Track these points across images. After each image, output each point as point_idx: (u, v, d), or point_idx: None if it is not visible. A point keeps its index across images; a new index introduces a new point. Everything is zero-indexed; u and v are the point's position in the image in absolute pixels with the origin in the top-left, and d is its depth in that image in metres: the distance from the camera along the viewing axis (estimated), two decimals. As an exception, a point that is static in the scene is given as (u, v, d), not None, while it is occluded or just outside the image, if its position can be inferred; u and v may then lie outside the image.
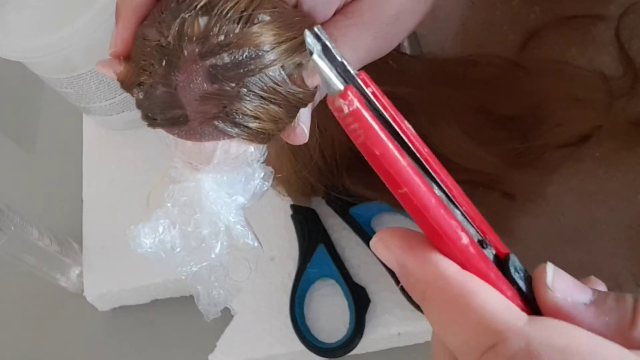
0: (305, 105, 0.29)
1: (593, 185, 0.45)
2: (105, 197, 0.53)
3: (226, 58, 0.27)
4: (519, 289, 0.23)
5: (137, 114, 0.58)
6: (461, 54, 0.49)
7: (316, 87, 0.29)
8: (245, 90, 0.27)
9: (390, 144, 0.22)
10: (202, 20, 0.27)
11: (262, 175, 0.31)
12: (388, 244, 0.23)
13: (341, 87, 0.22)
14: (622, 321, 0.22)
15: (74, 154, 0.56)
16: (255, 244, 0.31)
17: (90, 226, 0.52)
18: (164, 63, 0.27)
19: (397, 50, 0.43)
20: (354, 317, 0.44)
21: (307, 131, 0.30)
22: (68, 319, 0.52)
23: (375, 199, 0.45)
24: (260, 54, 0.27)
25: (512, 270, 0.23)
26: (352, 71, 0.23)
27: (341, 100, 0.22)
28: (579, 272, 0.47)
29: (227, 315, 0.47)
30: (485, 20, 0.52)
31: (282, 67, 0.28)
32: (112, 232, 0.51)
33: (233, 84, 0.27)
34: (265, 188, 0.31)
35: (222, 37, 0.27)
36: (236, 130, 0.28)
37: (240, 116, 0.28)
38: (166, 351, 0.50)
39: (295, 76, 0.28)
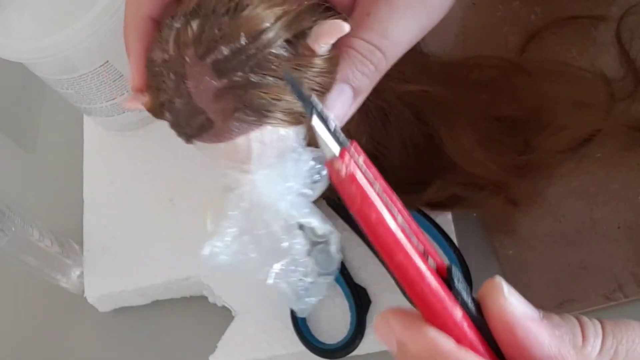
0: (326, 76, 0.29)
1: (594, 186, 0.45)
2: (106, 198, 0.53)
3: (224, 50, 0.27)
4: (462, 301, 0.23)
5: (138, 114, 0.58)
6: (462, 55, 0.49)
7: (331, 53, 0.28)
8: (254, 75, 0.27)
9: (385, 211, 0.22)
10: (194, 24, 0.27)
11: (311, 157, 0.30)
12: (390, 323, 0.23)
13: (338, 150, 0.23)
14: (575, 337, 0.22)
15: (74, 155, 0.56)
16: (329, 228, 0.31)
17: (91, 227, 0.52)
18: (171, 76, 0.28)
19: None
20: (355, 318, 0.44)
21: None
22: (69, 320, 0.52)
23: None
24: (256, 35, 0.27)
25: (455, 281, 0.23)
26: (346, 140, 0.24)
27: (340, 162, 0.22)
28: (579, 273, 0.47)
29: (227, 316, 0.47)
30: (486, 21, 0.52)
31: (286, 41, 0.28)
32: (113, 233, 0.51)
33: (240, 73, 0.27)
34: (325, 171, 0.31)
35: (215, 32, 0.27)
36: (261, 116, 0.28)
37: (260, 101, 0.27)
38: (167, 352, 0.50)
39: (302, 47, 0.28)
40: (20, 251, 0.46)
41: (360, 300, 0.44)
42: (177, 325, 0.50)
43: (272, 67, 0.27)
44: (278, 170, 0.30)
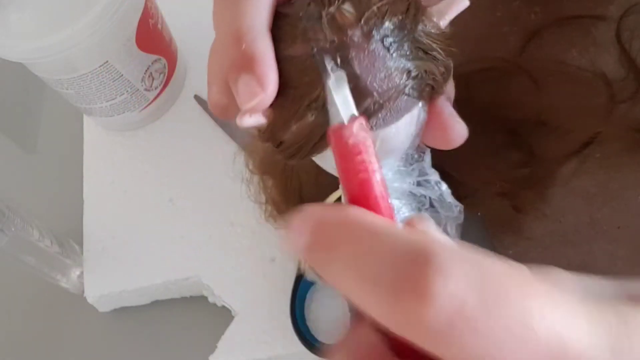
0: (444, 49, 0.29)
1: (593, 186, 0.45)
2: (106, 198, 0.53)
3: (388, 25, 0.27)
4: None
5: (138, 115, 0.58)
6: (461, 56, 0.48)
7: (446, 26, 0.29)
8: (416, 48, 0.27)
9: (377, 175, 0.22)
10: (347, 6, 0.27)
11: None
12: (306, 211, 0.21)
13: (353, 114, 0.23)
14: None
15: (74, 155, 0.56)
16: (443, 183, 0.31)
17: (91, 227, 0.52)
18: (338, 60, 0.27)
19: None
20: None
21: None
22: (68, 320, 0.52)
23: None
24: (407, 11, 0.27)
25: None
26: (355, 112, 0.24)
27: (362, 120, 0.22)
28: (580, 273, 0.47)
29: (227, 316, 0.47)
30: (485, 21, 0.52)
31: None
32: (113, 233, 0.51)
33: (405, 47, 0.27)
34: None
35: (375, 9, 0.27)
36: (425, 92, 0.28)
37: (424, 76, 0.27)
38: (167, 352, 0.50)
39: (428, 22, 0.28)
40: (20, 251, 0.46)
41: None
42: (177, 325, 0.50)
43: (424, 42, 0.28)
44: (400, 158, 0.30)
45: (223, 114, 0.33)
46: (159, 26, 0.51)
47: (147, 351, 0.50)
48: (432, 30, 0.28)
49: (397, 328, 0.17)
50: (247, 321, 0.46)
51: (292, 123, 0.28)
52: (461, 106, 0.44)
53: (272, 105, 0.28)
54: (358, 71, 0.27)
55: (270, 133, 0.29)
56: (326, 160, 0.30)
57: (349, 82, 0.27)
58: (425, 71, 0.28)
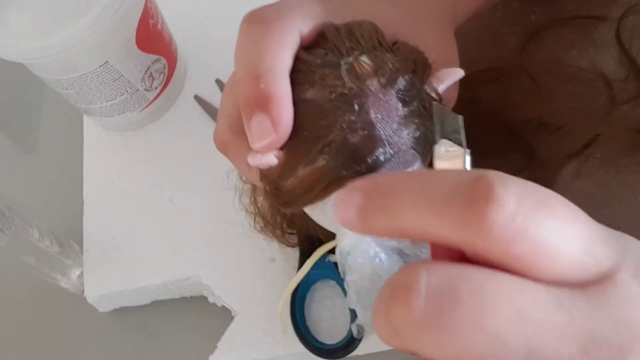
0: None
1: (594, 186, 0.45)
2: (106, 198, 0.53)
3: (402, 80, 0.28)
4: None
5: (138, 115, 0.58)
6: (462, 57, 0.48)
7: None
8: (422, 106, 0.28)
9: None
10: (365, 58, 0.28)
11: None
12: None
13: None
14: None
15: (74, 155, 0.56)
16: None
17: (91, 227, 0.52)
18: (356, 107, 0.27)
19: None
20: (355, 318, 0.44)
21: None
22: (68, 320, 0.52)
23: None
24: (415, 70, 0.29)
25: None
26: None
27: None
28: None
29: (227, 316, 0.47)
30: (485, 21, 0.52)
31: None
32: (113, 233, 0.51)
33: (415, 103, 0.28)
34: None
35: (390, 65, 0.28)
36: (427, 150, 0.28)
37: (428, 133, 0.28)
38: (166, 352, 0.50)
39: (429, 86, 0.30)
40: (20, 251, 0.46)
41: (360, 300, 0.44)
42: (177, 325, 0.50)
43: (428, 102, 0.29)
44: None
45: (222, 148, 0.33)
46: (159, 26, 0.51)
47: (147, 351, 0.50)
48: (432, 94, 0.29)
49: (467, 236, 0.19)
50: (247, 321, 0.46)
51: (299, 167, 0.29)
52: (462, 107, 0.45)
53: (283, 147, 0.29)
54: (373, 119, 0.27)
55: (277, 175, 0.29)
56: (321, 212, 0.30)
57: (364, 129, 0.27)
58: (428, 129, 0.28)
